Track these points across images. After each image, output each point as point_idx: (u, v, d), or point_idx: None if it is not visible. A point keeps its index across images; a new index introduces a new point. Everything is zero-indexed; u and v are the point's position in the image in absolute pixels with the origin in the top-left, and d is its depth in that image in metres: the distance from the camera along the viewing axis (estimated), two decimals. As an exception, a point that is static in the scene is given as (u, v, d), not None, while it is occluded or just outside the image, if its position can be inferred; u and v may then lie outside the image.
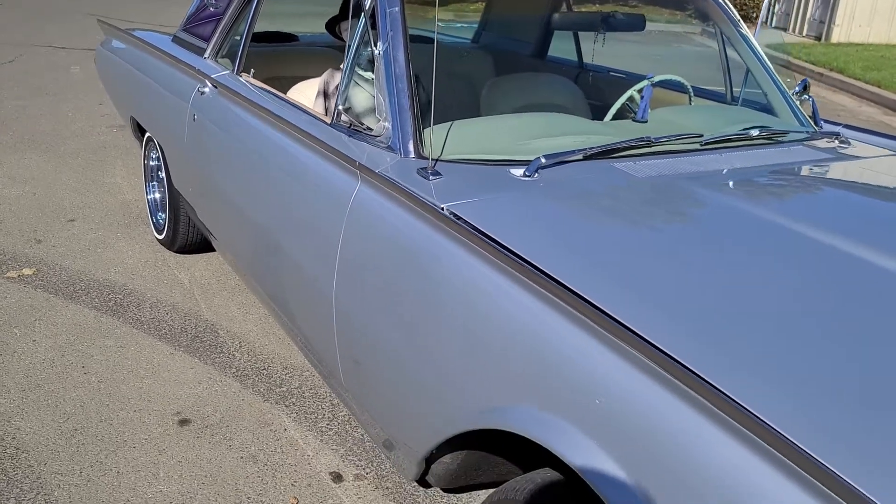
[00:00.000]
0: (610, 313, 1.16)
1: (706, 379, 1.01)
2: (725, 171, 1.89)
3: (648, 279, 1.30)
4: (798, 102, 2.50)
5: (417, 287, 1.53)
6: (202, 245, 3.34)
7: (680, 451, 1.01)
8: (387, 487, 2.10)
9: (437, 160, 1.74)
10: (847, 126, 2.58)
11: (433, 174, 1.68)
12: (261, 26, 3.16)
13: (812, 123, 2.40)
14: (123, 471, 2.08)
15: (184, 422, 2.31)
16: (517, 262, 1.32)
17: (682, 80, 2.52)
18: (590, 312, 1.18)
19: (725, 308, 1.23)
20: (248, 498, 2.03)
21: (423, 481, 2.11)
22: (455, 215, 1.50)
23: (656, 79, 2.35)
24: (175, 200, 3.19)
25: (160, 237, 3.46)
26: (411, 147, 1.80)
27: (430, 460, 1.67)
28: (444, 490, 2.08)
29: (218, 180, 2.59)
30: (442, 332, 1.45)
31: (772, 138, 2.19)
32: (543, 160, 1.73)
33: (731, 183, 1.82)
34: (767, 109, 2.50)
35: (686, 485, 1.00)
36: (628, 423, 1.08)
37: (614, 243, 1.47)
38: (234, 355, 2.67)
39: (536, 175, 1.71)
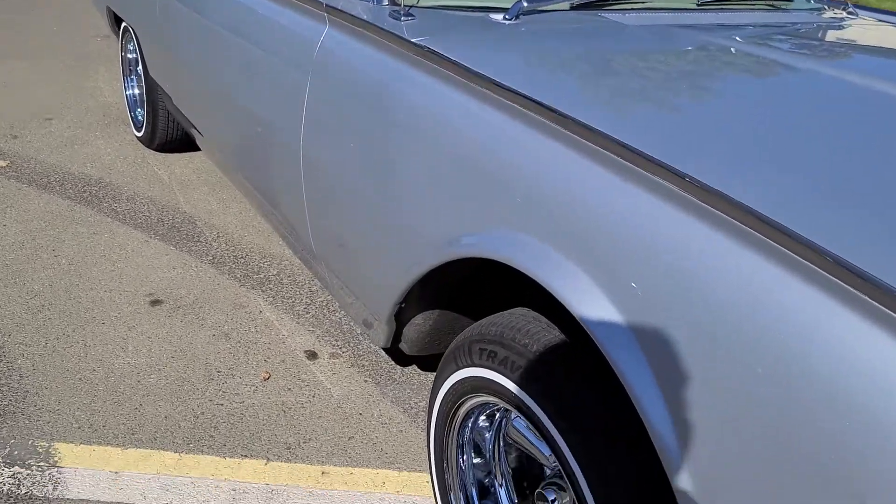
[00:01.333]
0: (586, 123, 1.05)
1: (699, 180, 0.91)
2: (722, 25, 1.76)
3: (634, 104, 1.20)
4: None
5: (384, 121, 1.42)
6: (183, 144, 3.23)
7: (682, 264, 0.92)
8: (362, 365, 2.03)
9: (410, 6, 1.61)
10: (856, 6, 2.43)
11: (405, 15, 1.55)
12: None
13: (820, -2, 2.26)
14: (91, 344, 2.02)
15: (155, 302, 2.24)
16: (490, 83, 1.21)
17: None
18: (563, 122, 1.07)
19: (719, 128, 1.12)
20: (219, 371, 1.96)
21: (400, 359, 2.06)
22: (426, 47, 1.39)
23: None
24: (152, 93, 3.06)
25: (139, 134, 3.34)
26: (384, -8, 1.67)
27: (401, 323, 1.59)
28: (417, 356, 2.02)
29: (190, 57, 2.46)
30: (409, 166, 1.35)
31: (774, 5, 2.06)
32: (525, 3, 1.61)
33: (727, 33, 1.69)
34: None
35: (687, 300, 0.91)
36: (615, 240, 0.98)
37: (600, 78, 1.36)
38: (211, 244, 2.59)
39: (518, 20, 1.59)
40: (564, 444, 1.06)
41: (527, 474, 1.37)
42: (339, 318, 2.23)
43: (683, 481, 0.88)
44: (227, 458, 1.69)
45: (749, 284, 0.82)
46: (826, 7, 2.20)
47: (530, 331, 1.15)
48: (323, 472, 1.67)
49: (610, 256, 0.97)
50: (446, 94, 1.29)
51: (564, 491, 1.21)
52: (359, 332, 2.16)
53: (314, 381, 1.96)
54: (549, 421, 1.09)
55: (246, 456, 1.70)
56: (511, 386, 1.15)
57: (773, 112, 1.19)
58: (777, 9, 2.04)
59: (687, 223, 0.90)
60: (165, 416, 1.80)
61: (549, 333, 1.13)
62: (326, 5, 1.65)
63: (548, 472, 1.28)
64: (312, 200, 1.73)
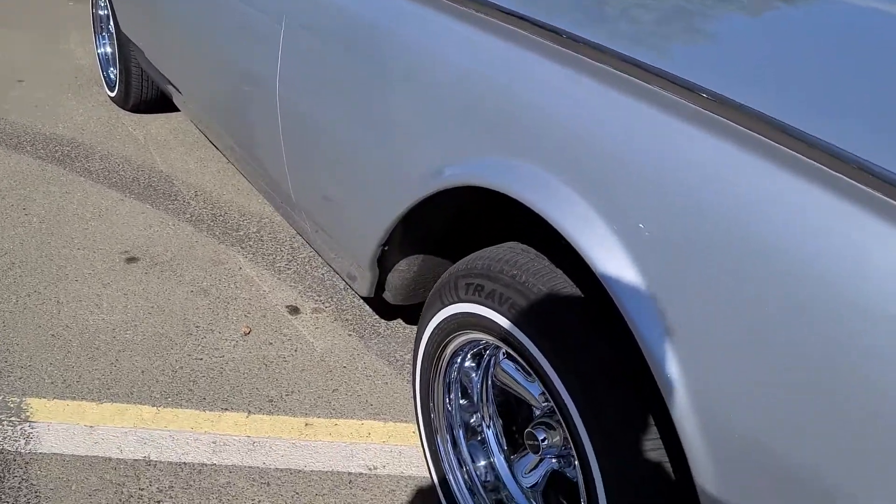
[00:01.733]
0: (583, 37, 0.99)
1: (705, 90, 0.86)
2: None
3: (635, 21, 1.13)
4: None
5: (360, 53, 1.35)
6: (158, 104, 3.13)
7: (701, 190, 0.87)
8: (346, 320, 1.98)
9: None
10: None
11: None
12: None
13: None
14: (63, 301, 1.95)
15: (131, 259, 2.17)
16: (474, 2, 1.14)
17: None
18: (558, 40, 1.01)
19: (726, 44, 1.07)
20: (198, 327, 1.90)
21: (385, 312, 2.00)
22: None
23: None
24: (125, 50, 2.96)
25: (112, 95, 3.24)
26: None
27: (384, 270, 1.54)
28: (402, 309, 1.96)
29: (162, 8, 2.36)
30: (390, 98, 1.28)
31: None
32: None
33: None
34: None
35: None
36: (618, 164, 0.93)
37: None
38: (188, 202, 2.51)
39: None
40: (557, 379, 1.02)
41: (515, 416, 1.33)
42: (322, 274, 2.17)
43: (684, 414, 0.84)
44: (207, 412, 1.64)
45: (762, 195, 0.77)
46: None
47: (518, 262, 1.10)
48: (306, 424, 1.63)
49: (612, 182, 0.91)
50: (428, 17, 1.22)
51: (554, 430, 1.17)
52: (343, 284, 2.11)
53: (296, 336, 1.91)
54: (541, 356, 1.04)
55: (226, 409, 1.65)
56: (499, 319, 1.10)
57: (781, 30, 1.13)
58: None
59: (695, 138, 0.85)
60: (142, 371, 1.74)
61: (537, 264, 1.08)
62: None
63: (537, 412, 1.24)
64: (290, 147, 1.66)
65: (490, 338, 1.15)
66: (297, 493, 1.45)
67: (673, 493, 0.94)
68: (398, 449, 1.58)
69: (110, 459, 1.50)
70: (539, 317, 1.03)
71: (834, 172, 0.73)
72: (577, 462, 1.04)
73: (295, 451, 1.55)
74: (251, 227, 2.40)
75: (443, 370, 1.28)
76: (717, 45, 1.06)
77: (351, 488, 1.47)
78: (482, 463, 1.32)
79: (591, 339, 0.97)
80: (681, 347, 0.83)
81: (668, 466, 0.94)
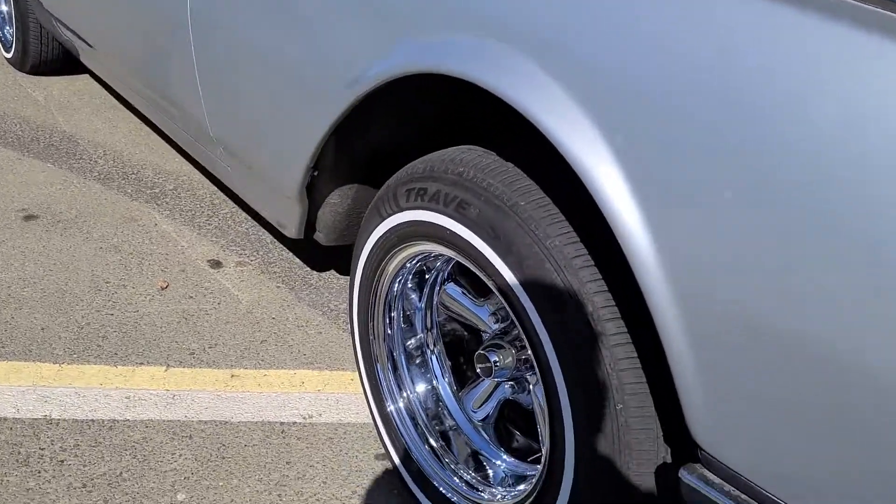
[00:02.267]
0: None
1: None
2: None
3: None
4: None
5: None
6: (61, 65, 2.89)
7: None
8: (274, 272, 1.84)
9: None
10: None
11: None
12: None
13: None
14: (-51, 259, 1.74)
15: (29, 217, 1.96)
16: None
17: None
18: None
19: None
20: (108, 283, 1.73)
21: (316, 264, 1.86)
22: None
23: None
24: (22, 7, 2.71)
25: (9, 56, 2.96)
26: None
27: (315, 206, 1.41)
28: (335, 257, 1.83)
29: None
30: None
31: None
32: None
33: None
34: None
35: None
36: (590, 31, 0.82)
37: None
38: (96, 161, 2.31)
39: None
40: (517, 284, 0.92)
41: (462, 349, 1.23)
42: (247, 228, 2.02)
43: (656, 284, 0.75)
44: (119, 367, 1.47)
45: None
46: None
47: (464, 160, 0.99)
48: (232, 376, 1.48)
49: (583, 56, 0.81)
50: None
51: (506, 350, 1.08)
52: (270, 238, 1.96)
53: (220, 289, 1.75)
54: (498, 259, 0.94)
55: (141, 364, 1.49)
56: (447, 223, 0.99)
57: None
58: None
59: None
60: (42, 328, 1.55)
61: (486, 159, 0.98)
62: None
63: (486, 335, 1.15)
64: (204, 73, 1.51)
65: (439, 247, 1.05)
66: (224, 445, 1.31)
67: (647, 397, 0.86)
68: (335, 396, 1.46)
69: (5, 419, 1.32)
70: (492, 215, 0.93)
71: None
72: (538, 380, 0.95)
73: (220, 402, 1.41)
74: (167, 184, 2.22)
75: (383, 292, 1.16)
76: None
77: (284, 437, 1.34)
78: (424, 388, 1.21)
79: (546, 227, 0.87)
80: (653, 212, 0.74)
81: (640, 373, 0.85)
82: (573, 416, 0.88)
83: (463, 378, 1.27)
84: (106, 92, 2.81)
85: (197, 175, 2.27)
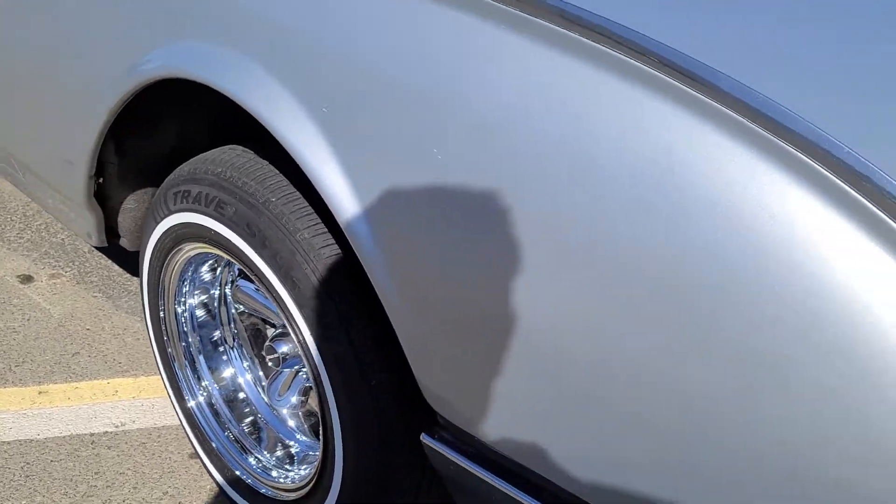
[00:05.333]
0: None
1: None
2: None
3: None
4: None
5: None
6: None
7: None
8: (91, 282, 1.80)
9: None
10: None
11: None
12: None
13: None
14: None
15: None
16: None
17: None
18: None
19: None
20: None
21: (137, 270, 1.83)
22: None
23: None
24: None
25: None
26: None
27: (114, 213, 1.40)
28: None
29: None
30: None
31: None
32: None
33: None
34: None
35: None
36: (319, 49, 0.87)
37: None
38: None
39: None
40: (275, 279, 0.96)
41: (259, 335, 1.26)
42: (62, 239, 1.95)
43: (372, 258, 0.82)
44: (-88, 397, 1.41)
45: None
46: None
47: (223, 160, 1.03)
48: (40, 392, 1.45)
49: (308, 61, 0.86)
50: None
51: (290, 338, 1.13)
52: (87, 247, 1.90)
53: (29, 304, 1.70)
54: (256, 256, 0.98)
55: (-63, 391, 1.43)
56: (210, 223, 1.02)
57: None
58: None
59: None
60: None
61: (242, 159, 1.02)
62: None
63: (272, 331, 1.19)
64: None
65: (209, 248, 1.08)
66: (28, 463, 1.29)
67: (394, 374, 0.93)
68: (150, 402, 1.45)
69: None
70: (245, 211, 0.97)
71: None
72: (305, 363, 1.00)
73: (25, 420, 1.38)
74: (-27, 199, 2.10)
75: (171, 293, 1.18)
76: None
77: (94, 448, 1.33)
78: (224, 381, 1.24)
79: (294, 222, 0.92)
80: (372, 206, 0.81)
81: (387, 349, 0.92)
82: (333, 392, 0.94)
83: (269, 369, 1.31)
84: None
85: (8, 187, 2.16)
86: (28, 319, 1.65)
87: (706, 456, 0.65)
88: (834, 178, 0.59)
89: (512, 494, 0.77)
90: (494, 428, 0.77)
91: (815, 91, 0.70)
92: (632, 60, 0.67)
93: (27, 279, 1.79)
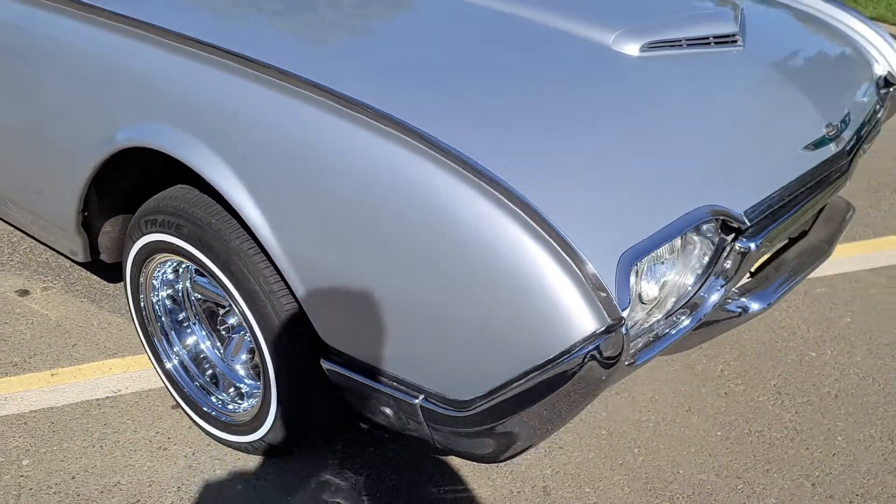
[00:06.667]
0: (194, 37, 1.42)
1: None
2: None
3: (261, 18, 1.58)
4: None
5: (22, 61, 1.66)
6: None
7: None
8: (76, 290, 2.26)
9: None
10: None
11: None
12: None
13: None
14: None
15: None
16: (111, 13, 1.52)
17: None
18: (174, 37, 1.43)
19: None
20: (-71, 325, 2.08)
21: (112, 277, 2.30)
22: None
23: None
24: None
25: None
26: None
27: (94, 235, 1.86)
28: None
29: None
30: (53, 92, 1.61)
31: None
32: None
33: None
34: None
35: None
36: (228, 119, 1.36)
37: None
38: None
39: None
40: (219, 271, 1.47)
41: (212, 314, 1.76)
42: (47, 258, 2.40)
43: (280, 256, 1.33)
44: (-45, 387, 1.87)
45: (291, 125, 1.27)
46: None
47: (177, 195, 1.52)
48: (52, 374, 1.93)
49: (237, 139, 1.35)
50: (79, 29, 1.57)
51: (235, 313, 1.63)
52: (69, 263, 2.36)
53: (30, 312, 2.16)
54: (204, 257, 1.48)
55: (-27, 381, 1.89)
56: (174, 240, 1.52)
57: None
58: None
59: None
60: None
61: (190, 194, 1.51)
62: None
63: (222, 311, 1.69)
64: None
65: (173, 256, 1.57)
66: (53, 423, 1.77)
67: (301, 325, 1.44)
68: (137, 374, 1.94)
69: None
70: (199, 231, 1.46)
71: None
72: (242, 320, 1.51)
73: (45, 395, 1.86)
74: (-35, 232, 2.53)
75: (147, 288, 1.68)
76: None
77: (100, 409, 1.82)
78: (191, 348, 1.74)
79: (229, 234, 1.42)
80: (274, 217, 1.31)
81: (299, 316, 1.43)
82: (266, 345, 1.45)
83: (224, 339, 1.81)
84: None
85: (-8, 219, 2.59)
86: (31, 323, 2.11)
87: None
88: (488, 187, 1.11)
89: (371, 384, 1.30)
90: (361, 348, 1.30)
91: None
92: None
93: (24, 292, 2.24)
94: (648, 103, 1.41)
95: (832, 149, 1.54)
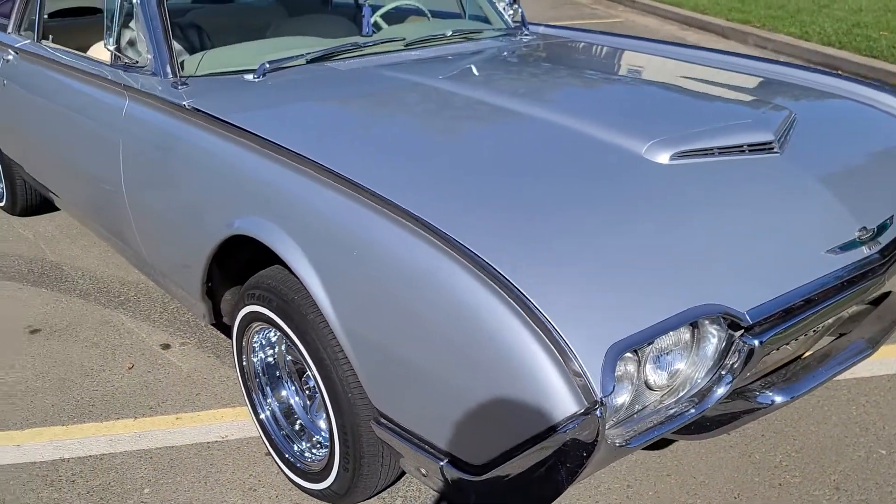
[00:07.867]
0: (297, 151, 1.76)
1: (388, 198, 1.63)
2: (415, 59, 2.52)
3: (344, 135, 1.91)
4: (510, 12, 3.19)
5: (174, 160, 2.08)
6: (43, 206, 3.74)
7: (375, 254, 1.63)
8: (206, 347, 2.66)
9: (187, 76, 2.28)
10: (553, 26, 3.30)
11: (182, 84, 2.22)
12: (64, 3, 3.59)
13: (514, 24, 3.09)
14: (-17, 368, 2.55)
15: (34, 331, 2.78)
16: (235, 127, 1.90)
17: (416, 5, 3.16)
18: (280, 151, 1.78)
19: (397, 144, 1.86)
20: (92, 370, 2.54)
21: (224, 328, 2.69)
22: (194, 108, 2.06)
23: (390, 5, 2.99)
24: (8, 168, 3.57)
25: (2, 205, 3.82)
26: (169, 70, 2.32)
27: (217, 302, 2.24)
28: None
29: (33, 132, 3.02)
30: (188, 185, 2.01)
31: (468, 37, 2.85)
32: (268, 65, 2.31)
33: (415, 66, 2.45)
34: (485, 19, 3.17)
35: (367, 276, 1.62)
36: (324, 232, 1.67)
37: (317, 112, 2.07)
38: (77, 281, 3.14)
39: (264, 77, 2.29)
40: (298, 341, 1.75)
41: (302, 373, 2.05)
42: (188, 318, 2.84)
43: (339, 331, 1.58)
44: (104, 422, 2.28)
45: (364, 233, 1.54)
46: (515, 31, 3.03)
47: (272, 275, 1.84)
48: (177, 418, 2.29)
49: (310, 233, 1.66)
50: (210, 140, 1.97)
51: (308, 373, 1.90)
52: (202, 324, 2.78)
53: (168, 364, 2.57)
54: (289, 329, 1.77)
55: (119, 418, 2.30)
56: (268, 312, 1.83)
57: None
58: (469, 39, 2.84)
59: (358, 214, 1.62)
60: (52, 405, 2.36)
61: (281, 274, 1.82)
62: (124, 85, 2.29)
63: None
64: (139, 226, 2.36)
65: (267, 325, 1.88)
66: (173, 459, 2.12)
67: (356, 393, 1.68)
68: (242, 423, 2.27)
69: (34, 463, 2.12)
70: (284, 305, 1.76)
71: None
72: (323, 391, 1.77)
73: (170, 435, 2.22)
74: (130, 292, 3.05)
75: (248, 350, 2.00)
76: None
77: (209, 451, 2.15)
78: (282, 402, 2.03)
79: (306, 309, 1.71)
80: (342, 306, 1.58)
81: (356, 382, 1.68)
82: (332, 408, 1.70)
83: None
84: (79, 224, 3.65)
85: (150, 283, 3.09)
86: (168, 373, 2.52)
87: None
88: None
89: (407, 446, 1.50)
90: (401, 413, 1.51)
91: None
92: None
93: (166, 346, 2.67)
94: (669, 207, 1.54)
95: (864, 252, 1.58)
